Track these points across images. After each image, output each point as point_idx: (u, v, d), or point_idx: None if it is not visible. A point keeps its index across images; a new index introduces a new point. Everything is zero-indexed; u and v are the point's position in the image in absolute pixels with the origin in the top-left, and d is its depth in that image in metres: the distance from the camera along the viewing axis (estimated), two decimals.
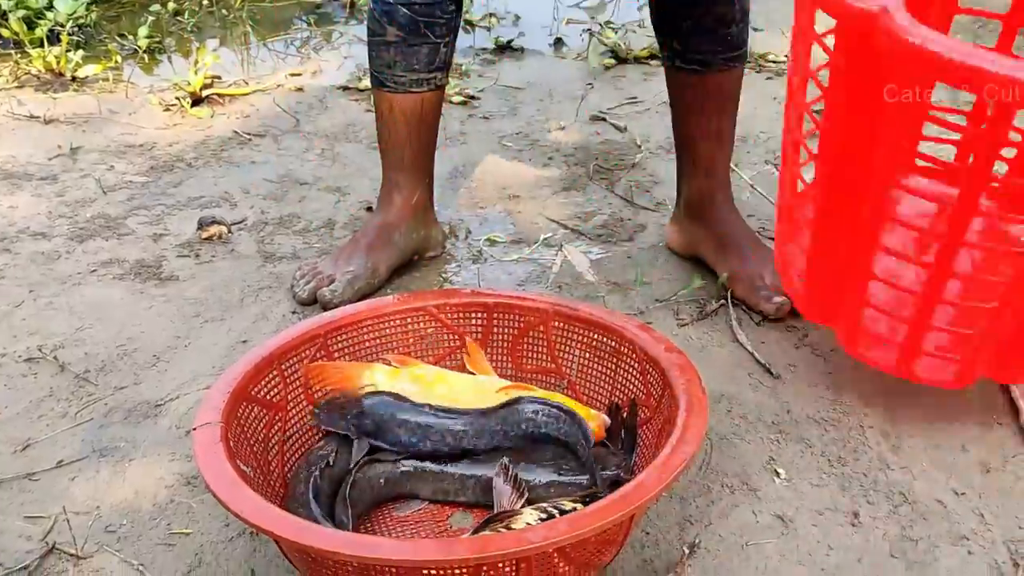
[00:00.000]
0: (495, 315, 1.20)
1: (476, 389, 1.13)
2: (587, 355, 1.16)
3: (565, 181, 1.85)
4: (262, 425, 1.06)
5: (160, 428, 1.23)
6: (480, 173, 1.89)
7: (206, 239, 1.66)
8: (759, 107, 2.11)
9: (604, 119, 2.11)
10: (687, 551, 1.01)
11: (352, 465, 1.05)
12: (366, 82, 2.25)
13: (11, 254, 1.62)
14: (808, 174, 1.20)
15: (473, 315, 1.21)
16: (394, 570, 0.82)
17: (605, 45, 2.45)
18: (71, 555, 1.04)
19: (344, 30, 2.72)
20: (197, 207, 1.77)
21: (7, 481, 1.15)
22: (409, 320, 1.19)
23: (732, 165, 1.56)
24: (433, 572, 0.83)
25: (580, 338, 1.17)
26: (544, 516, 0.94)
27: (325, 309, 1.38)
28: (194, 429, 0.96)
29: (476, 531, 0.94)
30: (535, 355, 1.20)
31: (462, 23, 1.84)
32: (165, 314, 1.46)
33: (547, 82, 2.32)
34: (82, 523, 1.08)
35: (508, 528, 0.92)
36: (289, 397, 1.11)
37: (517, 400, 1.08)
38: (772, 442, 1.18)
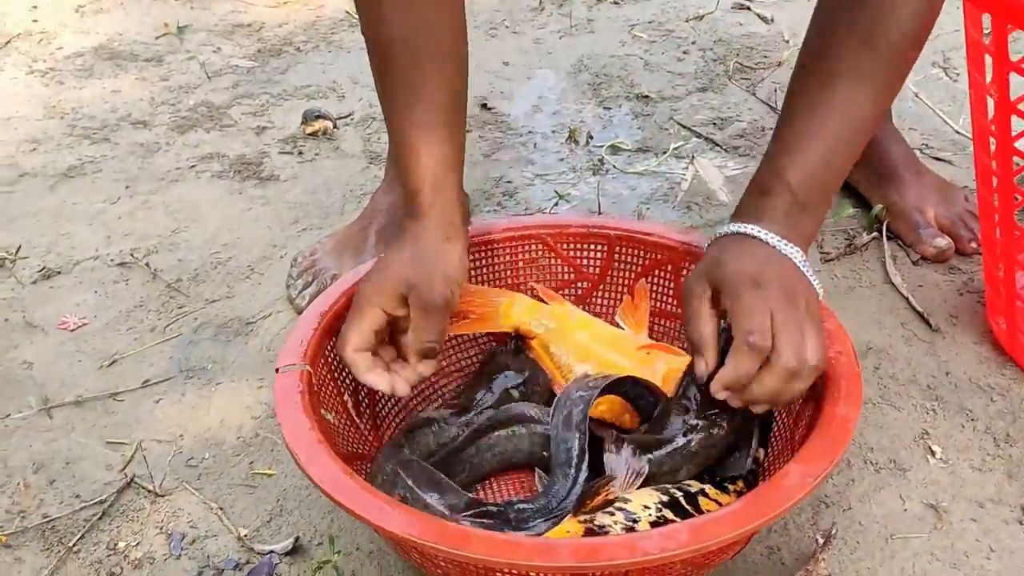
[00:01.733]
0: (617, 248, 1.06)
1: (616, 343, 1.00)
2: None
3: (701, 80, 1.67)
4: None
5: (250, 349, 1.15)
6: (606, 67, 1.72)
7: (310, 134, 1.55)
8: None
9: (748, 7, 1.89)
10: (821, 541, 0.88)
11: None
12: None
13: (111, 144, 1.55)
14: None
15: (592, 247, 1.07)
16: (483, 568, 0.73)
17: None
18: (149, 491, 0.98)
19: None
20: (303, 97, 1.66)
21: (92, 400, 1.09)
22: (519, 248, 1.07)
23: None
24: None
25: None
26: (665, 499, 0.82)
27: None
28: (277, 371, 0.87)
29: (579, 505, 0.83)
30: (660, 297, 1.06)
31: None
32: (263, 219, 1.37)
33: None
34: (163, 453, 1.02)
35: (620, 510, 0.81)
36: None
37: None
38: (927, 411, 1.03)
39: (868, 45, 0.81)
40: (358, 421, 0.95)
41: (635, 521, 0.80)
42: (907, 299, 1.17)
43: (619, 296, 1.07)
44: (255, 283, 1.25)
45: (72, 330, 1.19)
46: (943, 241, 1.22)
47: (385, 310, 0.89)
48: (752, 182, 0.87)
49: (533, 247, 1.07)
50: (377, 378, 0.89)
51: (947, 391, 1.05)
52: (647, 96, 1.63)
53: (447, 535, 0.70)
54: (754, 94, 1.62)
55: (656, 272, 1.05)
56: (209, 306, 1.22)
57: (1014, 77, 0.93)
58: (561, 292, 1.08)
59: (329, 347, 0.93)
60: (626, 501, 0.82)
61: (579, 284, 1.08)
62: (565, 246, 1.07)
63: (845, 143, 0.84)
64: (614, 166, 1.45)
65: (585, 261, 1.08)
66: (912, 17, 0.81)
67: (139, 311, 1.22)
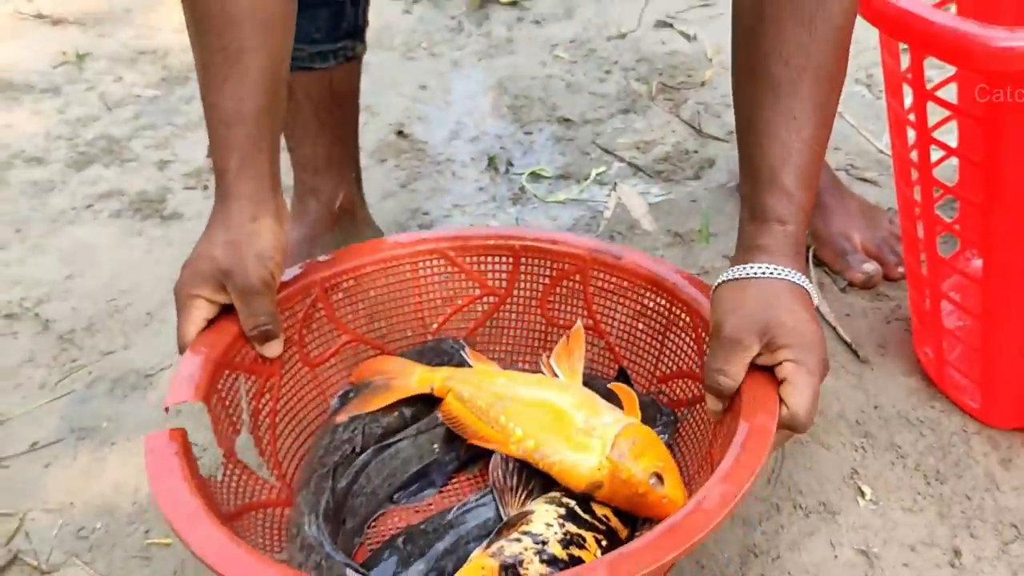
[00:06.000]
0: (523, 259, 1.02)
1: (544, 384, 0.92)
2: (631, 313, 0.98)
3: (623, 101, 1.63)
4: (250, 396, 0.90)
5: (148, 404, 1.08)
6: (527, 89, 1.68)
7: None
8: None
9: (671, 25, 1.86)
10: None
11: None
12: None
13: (1, 183, 1.46)
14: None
15: (497, 259, 1.02)
16: None
17: None
18: (34, 567, 0.90)
19: None
20: None
21: None
22: (421, 265, 1.02)
23: None
24: None
25: (623, 292, 0.98)
26: (563, 512, 0.80)
27: None
28: (165, 409, 0.81)
29: (489, 543, 0.78)
30: (569, 308, 1.01)
31: None
32: (164, 261, 1.29)
33: None
34: (51, 523, 0.95)
35: (525, 534, 0.77)
36: (283, 357, 0.94)
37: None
38: (856, 448, 0.99)
39: (811, 34, 0.77)
40: (262, 461, 0.88)
41: (544, 543, 0.77)
42: (835, 328, 1.14)
43: (530, 310, 1.03)
44: (155, 331, 1.18)
45: None
46: (870, 267, 1.19)
47: (207, 299, 0.85)
48: (758, 207, 0.81)
49: (435, 262, 1.02)
50: None
51: (876, 426, 1.01)
52: (569, 119, 1.59)
53: None
54: (677, 115, 1.58)
55: (564, 283, 1.01)
56: (104, 358, 1.14)
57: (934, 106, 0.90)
58: (467, 307, 1.03)
59: (222, 383, 0.87)
60: (529, 523, 0.78)
61: (485, 299, 1.04)
62: (469, 259, 1.03)
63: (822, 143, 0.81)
64: (535, 195, 1.41)
65: (490, 274, 1.03)
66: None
67: (28, 366, 1.14)
